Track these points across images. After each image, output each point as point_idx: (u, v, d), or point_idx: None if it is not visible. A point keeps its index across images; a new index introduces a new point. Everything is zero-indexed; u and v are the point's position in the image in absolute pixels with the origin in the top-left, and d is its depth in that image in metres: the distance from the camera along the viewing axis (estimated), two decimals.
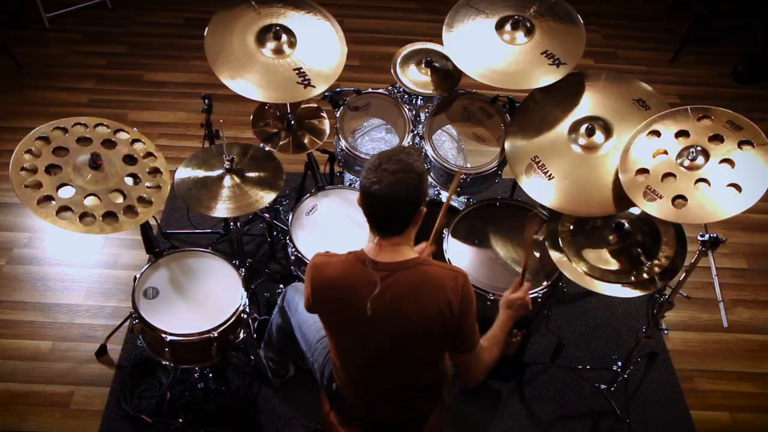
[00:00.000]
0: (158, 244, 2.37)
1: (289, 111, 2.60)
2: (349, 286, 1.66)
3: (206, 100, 2.57)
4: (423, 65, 2.68)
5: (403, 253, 1.66)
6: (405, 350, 1.71)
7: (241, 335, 2.26)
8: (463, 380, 1.84)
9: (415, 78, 2.66)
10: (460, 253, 2.43)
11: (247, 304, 2.24)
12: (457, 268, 1.71)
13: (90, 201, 2.03)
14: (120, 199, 2.08)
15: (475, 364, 1.76)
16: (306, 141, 2.60)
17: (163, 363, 2.22)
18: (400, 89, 2.72)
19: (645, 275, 2.19)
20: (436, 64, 2.67)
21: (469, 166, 2.67)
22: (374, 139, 2.84)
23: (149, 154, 2.23)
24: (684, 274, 2.11)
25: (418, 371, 1.80)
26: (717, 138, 1.99)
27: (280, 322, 2.30)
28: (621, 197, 2.11)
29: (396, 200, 1.59)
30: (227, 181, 2.32)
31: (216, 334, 2.14)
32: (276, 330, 2.35)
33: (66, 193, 2.01)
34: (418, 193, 1.61)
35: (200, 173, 2.35)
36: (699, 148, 1.98)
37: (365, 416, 1.90)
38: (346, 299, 1.67)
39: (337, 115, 2.70)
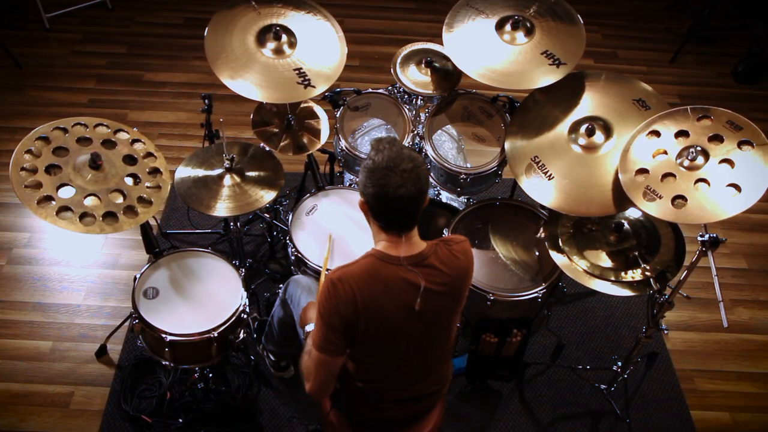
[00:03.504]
0: (158, 244, 2.37)
1: (288, 111, 2.60)
2: (383, 287, 1.64)
3: (206, 100, 2.57)
4: (423, 65, 2.68)
5: (419, 243, 1.70)
6: (436, 337, 1.76)
7: (241, 335, 2.26)
8: None
9: (415, 78, 2.66)
10: None
11: (247, 304, 2.24)
12: (457, 237, 1.77)
13: (90, 201, 2.03)
14: (120, 199, 2.08)
15: None
16: (306, 141, 2.60)
17: (163, 363, 2.22)
18: (400, 89, 2.72)
19: (643, 275, 2.19)
20: (436, 64, 2.67)
21: (468, 166, 2.67)
22: (374, 139, 2.84)
23: (149, 154, 2.23)
24: (684, 274, 2.11)
25: (437, 362, 1.83)
26: (717, 138, 1.99)
27: (282, 315, 2.30)
28: (621, 197, 2.11)
29: (419, 196, 1.61)
30: (227, 180, 2.32)
31: (216, 334, 2.14)
32: (277, 322, 2.35)
33: (66, 193, 2.01)
34: (429, 181, 1.68)
35: (200, 172, 2.35)
36: (699, 148, 1.98)
37: (370, 415, 1.90)
38: (382, 301, 1.64)
39: (337, 115, 2.70)
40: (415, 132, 2.67)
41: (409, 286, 1.65)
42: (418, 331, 1.71)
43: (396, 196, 1.57)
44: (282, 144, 2.53)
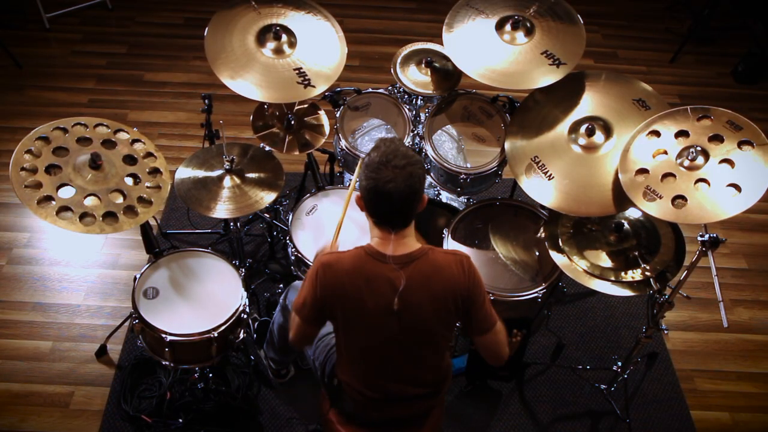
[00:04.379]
0: (158, 244, 2.37)
1: (287, 111, 2.60)
2: (365, 282, 1.67)
3: (206, 100, 2.57)
4: (423, 65, 2.68)
5: (411, 244, 1.70)
6: (419, 340, 1.75)
7: (241, 335, 2.26)
8: (491, 362, 1.83)
9: (415, 78, 2.67)
10: None
11: (247, 304, 2.24)
12: (458, 251, 1.76)
13: (90, 201, 2.03)
14: (120, 199, 2.08)
15: (499, 342, 1.79)
16: (309, 138, 2.60)
17: (163, 363, 2.22)
18: (400, 89, 2.72)
19: (643, 275, 2.19)
20: (436, 64, 2.67)
21: (468, 166, 2.67)
22: (374, 139, 2.84)
23: (149, 154, 2.23)
24: (684, 274, 2.11)
25: (426, 364, 1.82)
26: (717, 138, 1.99)
27: (282, 321, 2.30)
28: (621, 197, 2.11)
29: (411, 193, 1.62)
30: (227, 181, 2.32)
31: (216, 334, 2.14)
32: (277, 329, 2.35)
33: (66, 193, 2.01)
34: (424, 181, 1.68)
35: (200, 173, 2.35)
36: (699, 148, 1.98)
37: (369, 414, 1.90)
38: (362, 296, 1.67)
39: (337, 115, 2.70)
40: (415, 132, 2.67)
41: (389, 284, 1.66)
42: (400, 333, 1.71)
43: (385, 191, 1.60)
44: (286, 144, 2.53)
